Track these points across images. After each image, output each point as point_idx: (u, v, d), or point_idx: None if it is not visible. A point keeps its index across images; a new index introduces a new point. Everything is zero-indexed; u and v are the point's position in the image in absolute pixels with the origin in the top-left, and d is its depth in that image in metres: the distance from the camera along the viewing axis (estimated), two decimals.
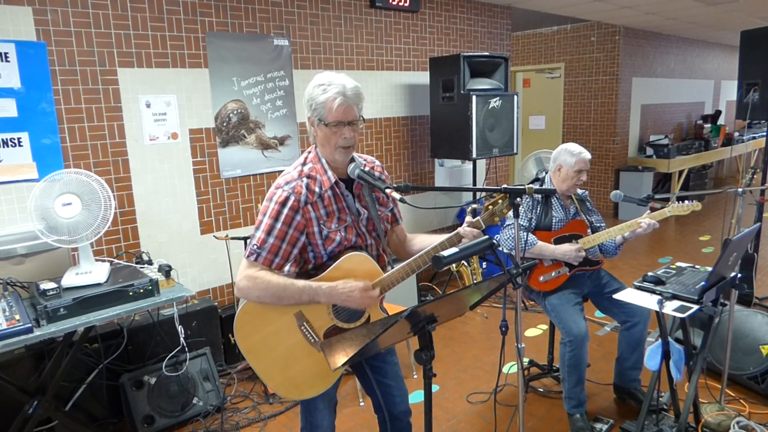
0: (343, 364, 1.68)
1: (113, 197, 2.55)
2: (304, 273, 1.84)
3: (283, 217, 1.70)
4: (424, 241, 1.94)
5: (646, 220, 2.70)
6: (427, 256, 1.75)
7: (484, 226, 1.77)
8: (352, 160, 1.80)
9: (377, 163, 1.94)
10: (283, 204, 1.70)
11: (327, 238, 1.76)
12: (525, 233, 2.78)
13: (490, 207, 1.81)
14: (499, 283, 1.61)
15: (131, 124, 3.29)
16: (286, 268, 1.83)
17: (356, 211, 1.81)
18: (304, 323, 1.77)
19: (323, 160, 1.76)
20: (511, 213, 1.86)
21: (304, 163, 1.78)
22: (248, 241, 1.76)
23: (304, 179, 1.73)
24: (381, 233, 1.86)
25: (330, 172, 1.75)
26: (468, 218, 1.79)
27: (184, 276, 3.56)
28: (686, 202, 2.75)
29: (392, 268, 1.81)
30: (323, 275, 1.76)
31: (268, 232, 1.70)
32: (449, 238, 1.76)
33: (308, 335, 1.77)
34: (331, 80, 1.69)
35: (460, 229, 1.76)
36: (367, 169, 1.82)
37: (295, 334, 1.77)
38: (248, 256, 1.73)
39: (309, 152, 1.81)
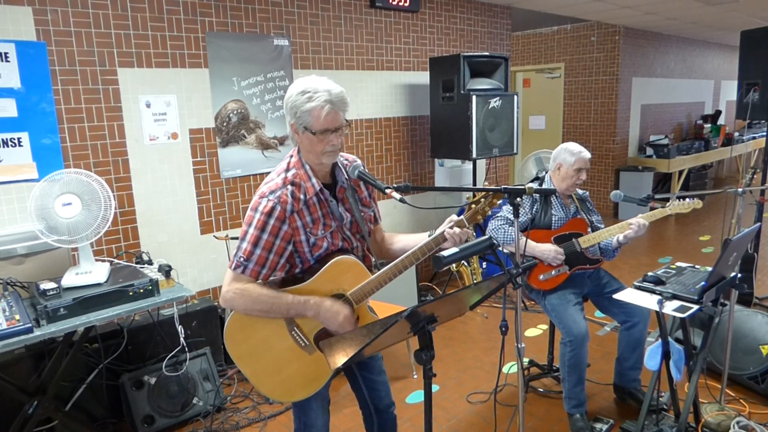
0: (344, 365, 1.68)
1: (113, 197, 2.55)
2: (291, 277, 1.82)
3: (269, 228, 1.66)
4: (402, 241, 1.94)
5: (636, 221, 2.71)
6: (414, 258, 1.74)
7: (468, 225, 1.76)
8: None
9: (358, 161, 1.87)
10: (269, 214, 1.66)
11: (314, 246, 1.75)
12: (509, 227, 2.80)
13: (473, 206, 1.81)
14: (499, 283, 1.61)
15: (131, 124, 3.29)
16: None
17: (339, 216, 1.79)
18: (295, 328, 1.76)
19: (307, 167, 1.73)
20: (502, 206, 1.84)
21: (287, 169, 1.74)
22: (234, 252, 1.72)
23: (289, 187, 1.70)
24: (365, 234, 1.86)
25: (314, 179, 1.73)
26: (453, 216, 1.78)
27: (184, 276, 3.56)
28: (687, 200, 2.75)
29: (378, 268, 1.80)
30: (311, 281, 1.74)
31: (255, 244, 1.66)
32: (434, 239, 1.74)
33: (299, 339, 1.77)
34: (316, 87, 1.63)
35: (445, 230, 1.74)
36: (355, 168, 1.79)
37: (285, 338, 1.77)
38: (234, 269, 1.69)
39: (291, 157, 1.77)
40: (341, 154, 1.82)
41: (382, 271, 1.75)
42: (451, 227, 1.74)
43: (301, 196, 1.71)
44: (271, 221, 1.66)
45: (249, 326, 1.75)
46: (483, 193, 1.82)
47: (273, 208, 1.66)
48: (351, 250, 1.83)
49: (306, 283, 1.74)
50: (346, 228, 1.82)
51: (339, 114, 1.65)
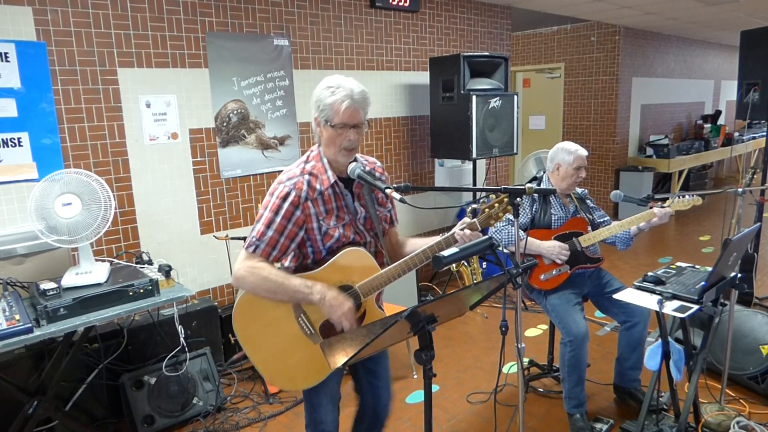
0: (344, 364, 1.68)
1: (113, 197, 2.55)
2: (302, 267, 1.86)
3: (283, 211, 1.73)
4: (414, 244, 1.96)
5: (659, 210, 2.72)
6: (424, 255, 1.76)
7: (480, 228, 1.79)
8: (354, 160, 1.83)
9: (378, 164, 1.98)
10: (284, 199, 1.73)
11: (326, 234, 1.80)
12: (511, 228, 2.80)
13: (487, 210, 1.83)
14: (499, 283, 1.61)
15: (131, 124, 3.29)
16: (286, 262, 1.86)
17: (354, 210, 1.85)
18: (302, 315, 1.80)
19: (324, 160, 1.80)
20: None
21: (306, 161, 1.82)
22: (250, 233, 1.79)
23: (306, 176, 1.77)
24: (379, 232, 1.89)
25: (330, 172, 1.79)
26: (465, 219, 1.80)
27: (184, 276, 3.56)
28: (687, 197, 2.76)
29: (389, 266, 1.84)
30: (320, 269, 1.79)
31: (268, 225, 1.74)
32: (445, 239, 1.77)
33: (305, 327, 1.81)
34: (340, 83, 1.71)
35: (456, 231, 1.77)
36: (367, 169, 1.85)
37: (292, 325, 1.81)
38: (247, 248, 1.77)
39: (312, 151, 1.84)
40: (363, 156, 1.92)
41: (391, 266, 1.78)
42: (462, 229, 1.77)
43: (317, 186, 1.77)
44: (285, 205, 1.73)
45: (257, 308, 1.80)
46: (498, 198, 1.84)
47: (288, 194, 1.73)
48: (364, 244, 1.87)
49: (316, 271, 1.79)
50: (360, 223, 1.86)
51: (358, 111, 1.72)
